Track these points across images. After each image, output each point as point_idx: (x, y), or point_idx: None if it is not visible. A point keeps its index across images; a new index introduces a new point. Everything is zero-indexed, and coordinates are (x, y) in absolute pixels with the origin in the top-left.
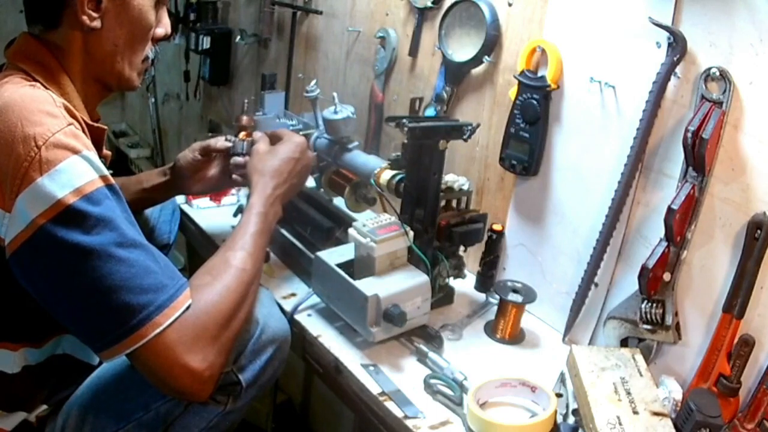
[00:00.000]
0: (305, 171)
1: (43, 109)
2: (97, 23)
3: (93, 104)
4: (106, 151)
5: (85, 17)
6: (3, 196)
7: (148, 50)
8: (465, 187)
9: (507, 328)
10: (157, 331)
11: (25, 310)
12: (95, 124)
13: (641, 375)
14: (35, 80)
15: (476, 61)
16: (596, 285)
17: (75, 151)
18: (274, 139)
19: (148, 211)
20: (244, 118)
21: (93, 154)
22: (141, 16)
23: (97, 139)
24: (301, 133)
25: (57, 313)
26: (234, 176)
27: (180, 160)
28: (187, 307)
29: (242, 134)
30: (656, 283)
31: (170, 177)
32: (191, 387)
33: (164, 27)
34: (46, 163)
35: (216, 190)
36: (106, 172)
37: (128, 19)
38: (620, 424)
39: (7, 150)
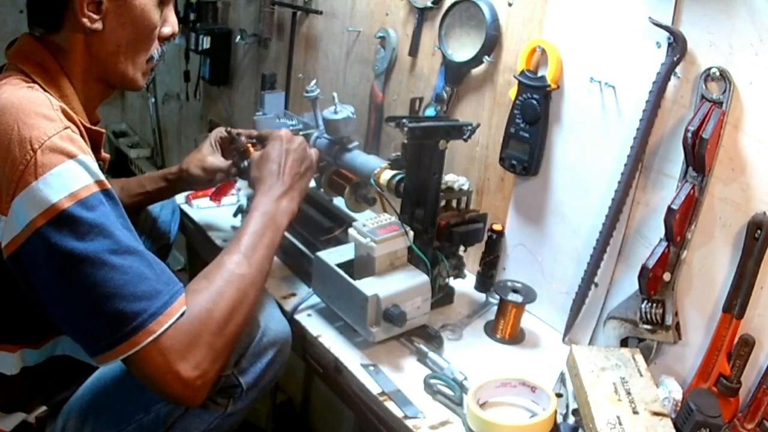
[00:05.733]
0: (301, 156)
1: (40, 111)
2: (98, 25)
3: (94, 105)
4: (104, 154)
5: (85, 20)
6: (0, 199)
7: (154, 50)
8: (465, 187)
9: (507, 328)
10: (150, 338)
11: (24, 312)
12: (93, 128)
13: (641, 375)
14: (34, 82)
15: (476, 61)
16: (596, 285)
17: (70, 156)
18: (262, 140)
19: (148, 211)
20: (243, 139)
21: (89, 159)
22: (144, 16)
23: (95, 142)
24: (301, 133)
25: (52, 317)
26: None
27: (188, 170)
28: (182, 314)
29: (248, 145)
30: (656, 283)
31: (174, 183)
32: (183, 394)
33: (171, 26)
34: (41, 167)
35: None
36: (102, 177)
37: (130, 19)
38: (620, 424)
39: (3, 153)
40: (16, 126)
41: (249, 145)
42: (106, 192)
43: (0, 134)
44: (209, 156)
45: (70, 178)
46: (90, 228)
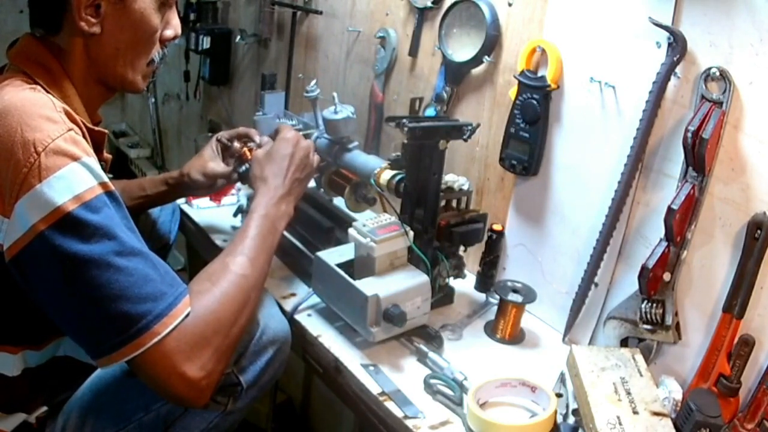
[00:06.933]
0: (304, 162)
1: (43, 113)
2: (96, 29)
3: (95, 106)
4: (106, 155)
5: (83, 23)
6: (3, 201)
7: (155, 53)
8: (465, 187)
9: (507, 328)
10: (155, 340)
11: (26, 313)
12: (96, 128)
13: (641, 375)
14: (36, 83)
15: (476, 61)
16: (596, 285)
17: (74, 158)
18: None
19: (148, 212)
20: (236, 145)
21: (93, 161)
22: (143, 20)
23: (97, 142)
24: (301, 133)
25: (55, 319)
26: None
27: (189, 175)
28: (186, 315)
29: (245, 150)
30: (656, 283)
31: (175, 187)
32: (188, 394)
33: (173, 28)
34: (45, 170)
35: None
36: (106, 179)
37: (129, 23)
38: (620, 424)
39: (7, 155)
40: (20, 128)
41: (246, 149)
42: (110, 194)
43: (3, 136)
44: (210, 161)
45: (74, 180)
46: (95, 230)
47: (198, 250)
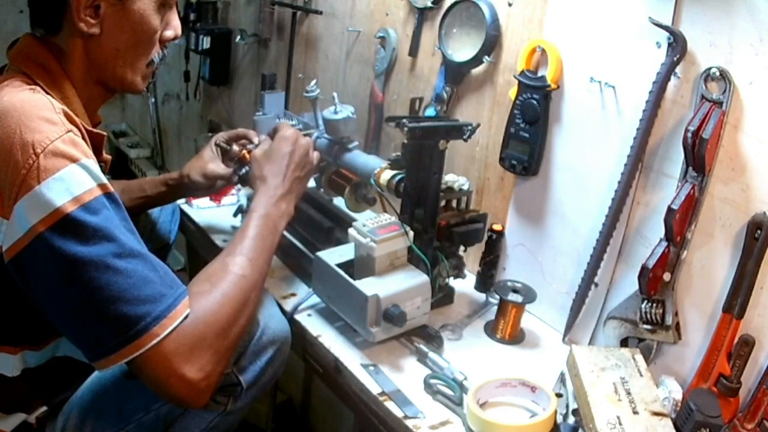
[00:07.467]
0: (303, 160)
1: (42, 115)
2: (95, 29)
3: (95, 107)
4: (106, 156)
5: (82, 24)
6: (2, 202)
7: (155, 54)
8: (465, 187)
9: (507, 328)
10: (155, 341)
11: (26, 313)
12: (95, 130)
13: (641, 375)
14: (36, 84)
15: (476, 61)
16: (596, 285)
17: (73, 160)
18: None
19: (148, 213)
20: (235, 148)
21: (92, 162)
22: (143, 21)
23: (96, 144)
24: (302, 133)
25: (54, 320)
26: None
27: (189, 177)
28: (186, 317)
29: (244, 152)
30: (656, 283)
31: (175, 188)
32: (187, 396)
33: (173, 29)
34: (44, 171)
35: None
36: (105, 180)
37: (129, 24)
38: (620, 424)
39: (6, 156)
40: (19, 129)
41: (244, 152)
42: (109, 195)
43: (2, 138)
44: (210, 163)
45: (73, 182)
46: (94, 232)
47: (198, 250)
